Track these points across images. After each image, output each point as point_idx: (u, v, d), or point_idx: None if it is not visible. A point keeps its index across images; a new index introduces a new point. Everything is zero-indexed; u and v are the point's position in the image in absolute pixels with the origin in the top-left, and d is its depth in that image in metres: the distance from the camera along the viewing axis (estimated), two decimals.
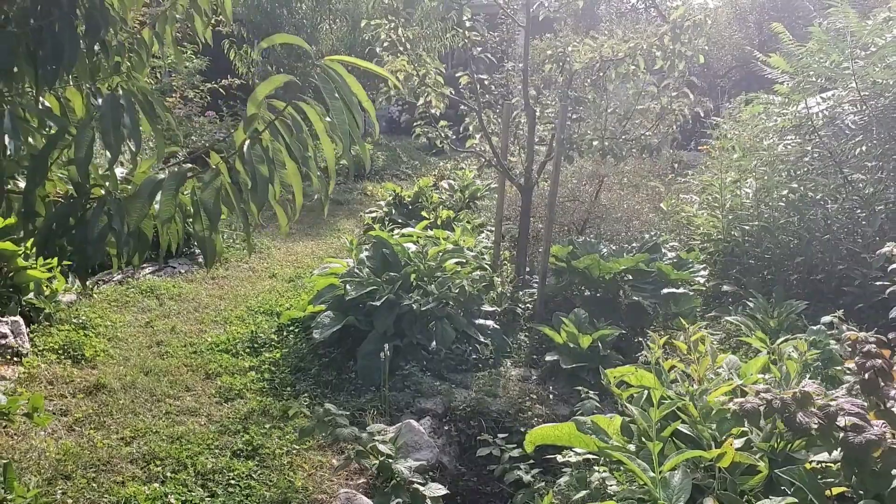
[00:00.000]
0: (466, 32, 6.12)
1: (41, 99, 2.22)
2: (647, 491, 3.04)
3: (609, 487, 3.28)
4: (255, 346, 6.01)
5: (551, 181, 6.10)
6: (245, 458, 4.41)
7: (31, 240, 2.10)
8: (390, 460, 3.72)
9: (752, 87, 12.48)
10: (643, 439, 3.05)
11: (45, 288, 6.08)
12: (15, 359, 5.21)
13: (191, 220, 2.16)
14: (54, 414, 4.70)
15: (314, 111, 2.05)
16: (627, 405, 3.15)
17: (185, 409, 4.98)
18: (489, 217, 9.26)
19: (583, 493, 3.38)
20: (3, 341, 5.15)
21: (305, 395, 5.18)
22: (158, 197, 2.02)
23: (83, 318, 6.11)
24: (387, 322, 5.64)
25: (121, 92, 2.02)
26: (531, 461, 4.33)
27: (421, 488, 3.71)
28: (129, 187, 2.14)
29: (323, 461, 4.48)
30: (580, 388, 5.00)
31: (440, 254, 6.26)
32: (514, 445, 4.42)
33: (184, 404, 5.04)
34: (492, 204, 9.35)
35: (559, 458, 3.78)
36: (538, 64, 6.48)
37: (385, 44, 5.76)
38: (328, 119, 2.02)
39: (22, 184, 2.25)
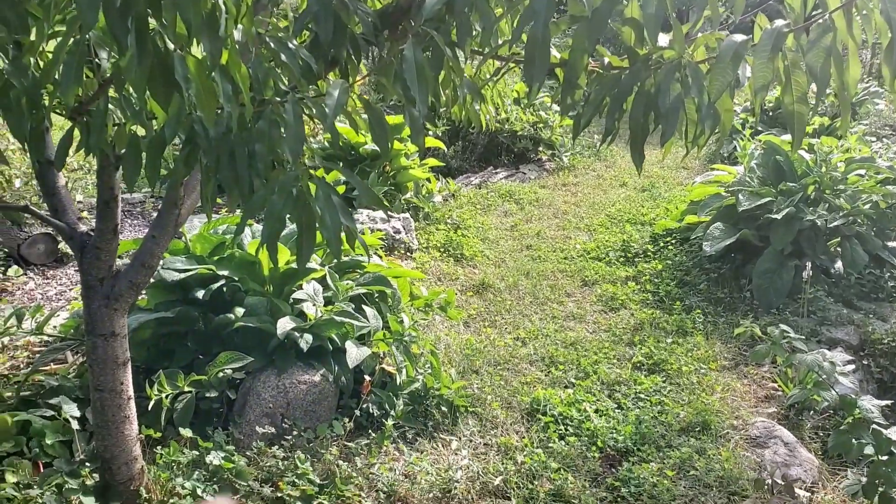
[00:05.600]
0: None
1: None
2: None
3: None
4: (628, 255, 5.71)
5: None
6: (647, 371, 4.15)
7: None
8: (853, 396, 3.18)
9: None
10: None
11: (423, 188, 6.31)
12: (407, 253, 5.45)
13: None
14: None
15: None
16: None
17: (570, 314, 4.85)
18: (869, 125, 7.92)
19: None
20: (398, 236, 5.40)
21: (698, 311, 4.77)
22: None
23: (456, 218, 6.26)
24: (786, 238, 4.97)
25: None
26: None
27: (884, 431, 3.13)
28: (690, 51, 1.79)
29: (731, 384, 4.08)
30: None
31: (844, 163, 5.36)
32: None
33: (567, 310, 4.91)
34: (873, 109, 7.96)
35: None
36: None
37: None
38: None
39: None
